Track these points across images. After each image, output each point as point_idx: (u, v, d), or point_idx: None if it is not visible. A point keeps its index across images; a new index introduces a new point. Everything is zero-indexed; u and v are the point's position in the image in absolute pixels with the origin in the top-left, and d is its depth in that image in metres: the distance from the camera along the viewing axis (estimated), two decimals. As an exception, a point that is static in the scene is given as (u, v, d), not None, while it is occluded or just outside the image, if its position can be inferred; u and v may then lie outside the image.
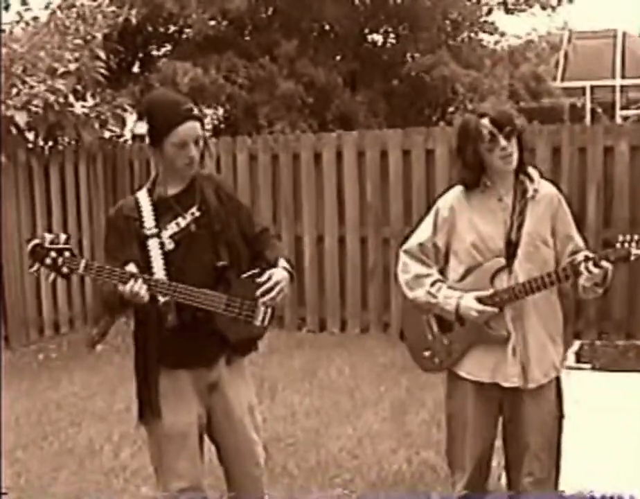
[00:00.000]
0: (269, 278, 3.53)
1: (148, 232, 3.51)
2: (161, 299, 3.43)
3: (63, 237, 3.32)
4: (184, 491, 3.59)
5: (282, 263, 3.64)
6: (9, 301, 8.67)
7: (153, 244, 3.50)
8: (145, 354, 3.57)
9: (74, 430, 6.26)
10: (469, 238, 3.65)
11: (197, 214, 3.58)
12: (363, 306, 9.00)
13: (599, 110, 20.46)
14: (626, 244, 3.40)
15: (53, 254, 3.28)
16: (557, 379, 3.78)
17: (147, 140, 3.58)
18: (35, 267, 3.31)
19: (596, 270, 3.41)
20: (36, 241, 3.30)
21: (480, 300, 3.59)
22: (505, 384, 3.64)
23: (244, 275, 3.58)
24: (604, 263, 3.41)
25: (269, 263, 3.63)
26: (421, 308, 3.80)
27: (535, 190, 3.66)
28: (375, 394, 6.81)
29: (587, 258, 3.45)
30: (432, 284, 3.71)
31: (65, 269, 3.30)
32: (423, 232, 3.80)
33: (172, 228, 3.54)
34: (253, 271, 3.60)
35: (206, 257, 3.56)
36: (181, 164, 3.51)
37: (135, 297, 3.32)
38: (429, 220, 3.81)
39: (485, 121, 3.55)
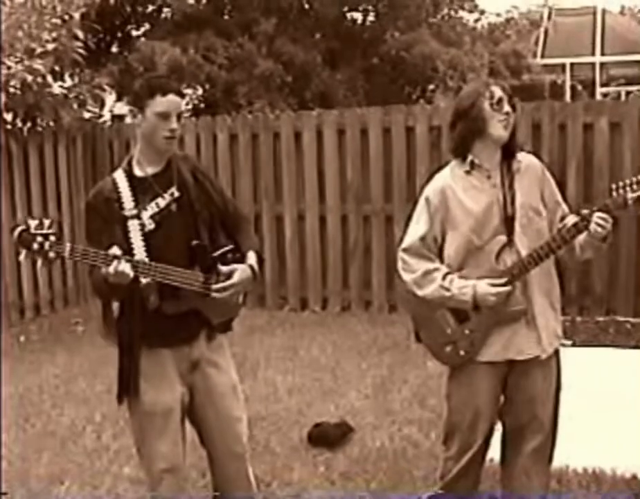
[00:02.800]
0: (229, 276, 3.56)
1: (128, 213, 3.50)
2: (143, 281, 3.44)
3: (47, 222, 3.26)
4: (166, 472, 3.60)
5: (250, 259, 3.68)
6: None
7: (133, 225, 3.49)
8: (128, 335, 3.58)
9: (56, 411, 6.24)
10: (467, 224, 3.60)
11: (177, 194, 3.58)
12: (344, 284, 9.01)
13: (579, 87, 20.51)
14: (621, 191, 3.37)
15: (40, 238, 3.22)
16: (556, 350, 3.76)
17: (130, 113, 3.60)
18: (24, 254, 3.25)
19: (602, 222, 3.37)
20: (22, 227, 3.24)
21: (494, 284, 3.55)
22: (520, 358, 3.62)
23: (217, 252, 3.61)
24: (605, 215, 3.37)
25: (241, 252, 3.69)
26: (433, 304, 3.72)
27: (519, 162, 3.65)
28: (357, 372, 6.82)
29: (590, 212, 3.41)
30: (443, 278, 3.64)
31: (52, 254, 3.24)
32: (420, 226, 3.73)
33: (152, 208, 3.53)
34: (227, 248, 3.64)
35: (186, 237, 3.56)
36: (161, 137, 3.51)
37: (120, 277, 3.30)
38: (421, 213, 3.73)
39: (495, 87, 3.58)
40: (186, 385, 3.66)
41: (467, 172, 3.66)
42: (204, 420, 3.74)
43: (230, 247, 3.67)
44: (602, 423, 4.76)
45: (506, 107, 3.55)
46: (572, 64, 20.87)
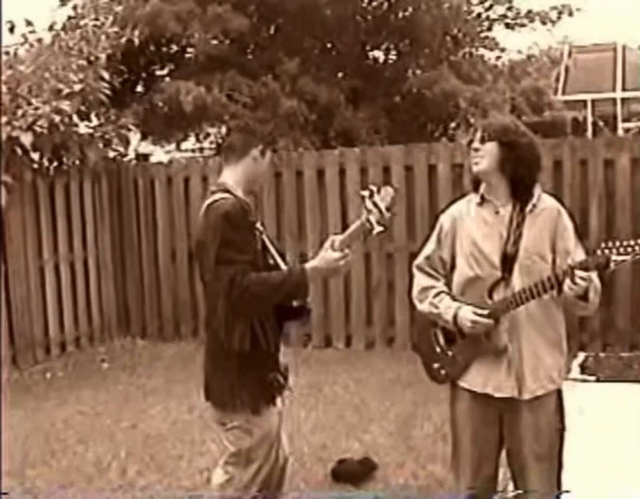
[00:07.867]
0: None
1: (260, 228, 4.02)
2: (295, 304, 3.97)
3: None
4: None
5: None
6: (15, 320, 8.70)
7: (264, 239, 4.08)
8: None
9: (82, 447, 6.29)
10: (467, 249, 3.71)
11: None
12: (367, 322, 9.03)
13: (601, 123, 20.53)
14: (606, 251, 3.31)
15: None
16: (559, 391, 3.75)
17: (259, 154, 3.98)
18: None
19: (577, 279, 3.33)
20: None
21: (476, 312, 3.61)
22: (497, 395, 3.66)
23: None
24: (581, 273, 3.33)
25: None
26: (430, 320, 3.85)
27: (534, 205, 3.65)
28: (381, 409, 6.83)
29: (569, 267, 3.37)
30: (435, 295, 3.79)
31: None
32: (428, 246, 3.90)
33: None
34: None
35: None
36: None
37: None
38: (433, 234, 3.90)
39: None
40: None
41: (479, 204, 3.76)
42: None
43: None
44: (627, 459, 4.74)
45: (474, 143, 3.68)
46: (593, 100, 20.90)
